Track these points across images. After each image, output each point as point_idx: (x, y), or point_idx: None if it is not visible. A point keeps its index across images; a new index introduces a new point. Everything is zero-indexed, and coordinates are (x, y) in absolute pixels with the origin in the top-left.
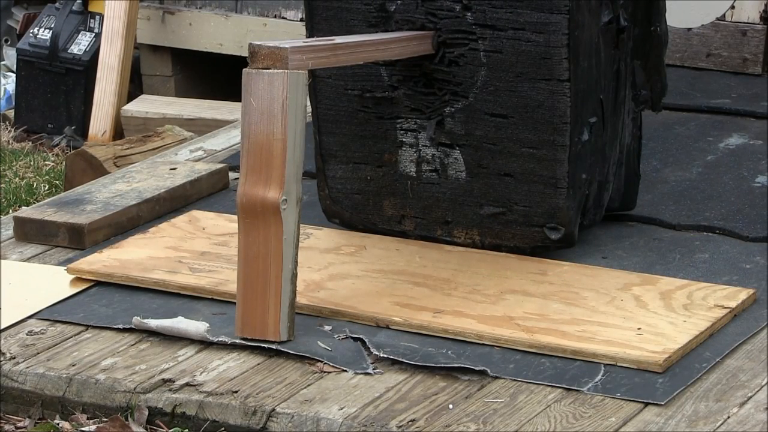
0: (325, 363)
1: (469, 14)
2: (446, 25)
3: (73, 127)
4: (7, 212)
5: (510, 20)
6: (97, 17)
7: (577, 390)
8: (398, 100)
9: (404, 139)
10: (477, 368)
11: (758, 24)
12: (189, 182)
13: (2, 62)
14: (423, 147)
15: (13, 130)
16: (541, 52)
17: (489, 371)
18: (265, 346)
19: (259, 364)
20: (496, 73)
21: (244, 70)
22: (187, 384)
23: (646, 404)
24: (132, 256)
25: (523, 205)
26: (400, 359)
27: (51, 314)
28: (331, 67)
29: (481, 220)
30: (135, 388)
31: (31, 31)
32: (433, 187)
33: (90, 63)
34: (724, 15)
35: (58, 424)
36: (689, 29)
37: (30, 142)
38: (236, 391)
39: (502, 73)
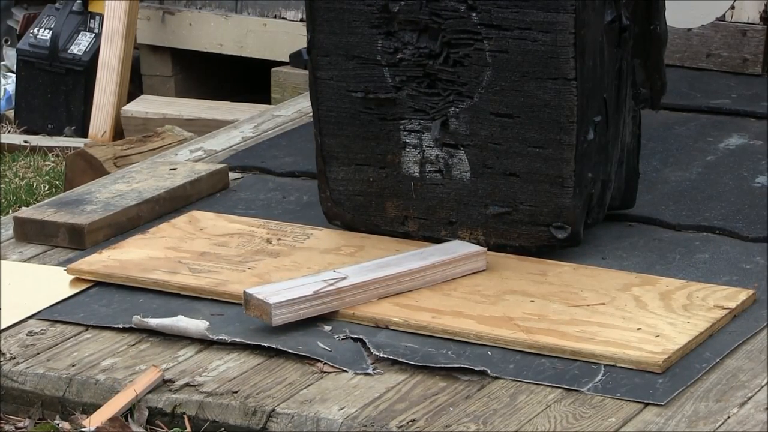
0: (325, 363)
1: (474, 14)
2: (451, 25)
3: (73, 128)
4: (7, 212)
5: (516, 20)
6: (97, 17)
7: (577, 390)
8: (401, 101)
9: (407, 140)
10: (477, 368)
11: (758, 24)
12: (189, 182)
13: (2, 62)
14: (427, 148)
15: (15, 130)
16: (547, 52)
17: (489, 371)
18: (266, 345)
19: (259, 364)
20: (501, 72)
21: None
22: (187, 384)
23: (646, 404)
24: (132, 257)
25: (528, 204)
26: (400, 359)
27: (51, 314)
28: (333, 70)
29: (486, 220)
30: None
31: (31, 31)
32: (437, 188)
33: (90, 63)
34: (724, 15)
35: (58, 424)
36: (689, 29)
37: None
38: (236, 392)
39: (508, 73)
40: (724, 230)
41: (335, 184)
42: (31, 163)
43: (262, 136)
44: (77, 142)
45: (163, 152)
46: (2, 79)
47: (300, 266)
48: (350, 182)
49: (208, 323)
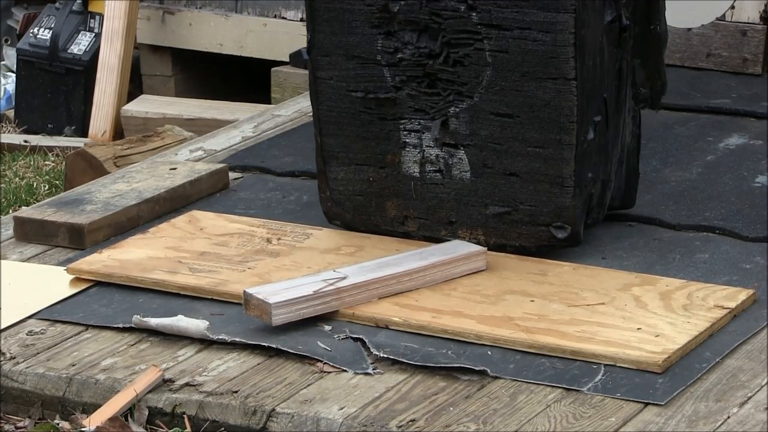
0: (325, 363)
1: (474, 14)
2: (451, 25)
3: (73, 127)
4: (7, 212)
5: (516, 20)
6: (97, 17)
7: (577, 390)
8: (401, 101)
9: (407, 140)
10: (477, 368)
11: (758, 24)
12: (189, 182)
13: (2, 62)
14: (427, 147)
15: (15, 129)
16: (547, 52)
17: (489, 371)
18: (266, 345)
19: (259, 364)
20: (501, 72)
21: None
22: (187, 384)
23: (646, 404)
24: (132, 256)
25: (528, 204)
26: (400, 359)
27: (51, 314)
28: (333, 70)
29: (486, 220)
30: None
31: (31, 31)
32: (437, 188)
33: (90, 63)
34: (724, 15)
35: (58, 424)
36: (689, 29)
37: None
38: (236, 391)
39: (508, 73)
40: (724, 230)
41: (335, 184)
42: (31, 163)
43: (262, 135)
44: (77, 142)
45: (163, 152)
46: (2, 78)
47: (300, 266)
48: (350, 182)
49: (208, 323)
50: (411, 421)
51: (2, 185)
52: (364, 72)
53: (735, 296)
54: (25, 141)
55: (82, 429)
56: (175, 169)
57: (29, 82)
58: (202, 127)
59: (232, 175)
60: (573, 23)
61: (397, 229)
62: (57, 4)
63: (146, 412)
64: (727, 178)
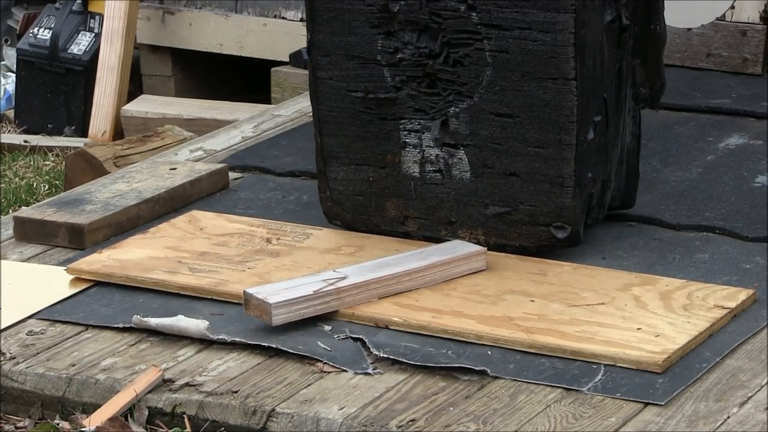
0: (325, 363)
1: (474, 14)
2: (451, 25)
3: (73, 127)
4: (7, 212)
5: (516, 20)
6: (97, 17)
7: (577, 390)
8: (401, 101)
9: (407, 140)
10: (477, 368)
11: (758, 24)
12: (189, 182)
13: (2, 62)
14: (427, 147)
15: (15, 130)
16: (547, 52)
17: (489, 371)
18: (266, 345)
19: (259, 364)
20: (501, 72)
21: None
22: (187, 384)
23: (646, 404)
24: (132, 256)
25: (528, 204)
26: (400, 359)
27: (51, 314)
28: (333, 70)
29: (486, 220)
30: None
31: (31, 31)
32: (437, 188)
33: (90, 63)
34: (724, 15)
35: (58, 424)
36: (689, 29)
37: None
38: (236, 391)
39: (508, 73)
40: (724, 230)
41: (335, 184)
42: (31, 163)
43: (262, 135)
44: (77, 142)
45: (163, 152)
46: (2, 79)
47: (300, 266)
48: (350, 182)
49: (208, 323)
50: (411, 421)
51: (2, 185)
52: (364, 72)
53: (735, 296)
54: (25, 141)
55: (82, 429)
56: (175, 169)
57: (29, 82)
58: (202, 127)
59: (232, 175)
60: (573, 23)
61: (397, 229)
62: (57, 4)
63: (146, 412)
64: (727, 178)
